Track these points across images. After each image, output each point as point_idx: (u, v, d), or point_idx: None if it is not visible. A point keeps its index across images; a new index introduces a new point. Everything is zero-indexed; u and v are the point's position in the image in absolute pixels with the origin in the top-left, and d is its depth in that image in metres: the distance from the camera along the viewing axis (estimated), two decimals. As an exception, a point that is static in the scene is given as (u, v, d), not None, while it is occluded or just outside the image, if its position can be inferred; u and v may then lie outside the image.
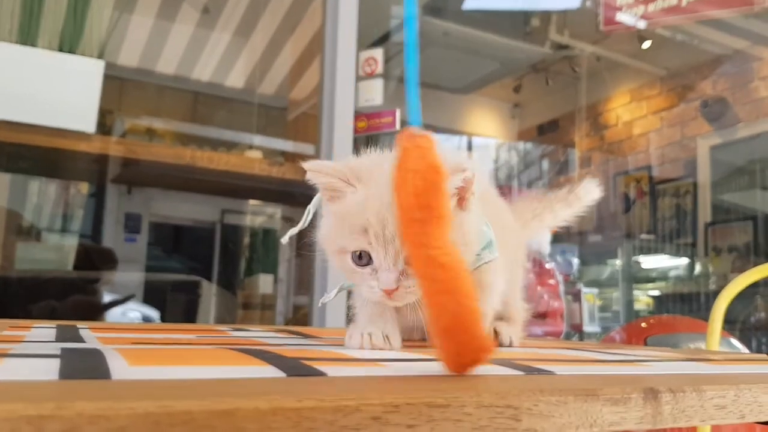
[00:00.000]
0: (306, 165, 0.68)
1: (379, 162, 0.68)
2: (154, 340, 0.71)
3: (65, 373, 0.38)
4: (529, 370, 0.50)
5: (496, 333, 0.82)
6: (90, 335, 0.73)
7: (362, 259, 0.66)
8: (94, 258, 2.66)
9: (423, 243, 0.46)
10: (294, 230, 0.74)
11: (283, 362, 0.48)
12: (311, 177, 0.68)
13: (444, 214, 0.47)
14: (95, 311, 2.27)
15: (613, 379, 0.48)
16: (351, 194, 0.67)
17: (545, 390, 0.40)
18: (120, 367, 0.41)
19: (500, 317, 0.86)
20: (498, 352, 0.71)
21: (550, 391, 0.40)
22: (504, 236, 0.79)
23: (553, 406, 0.39)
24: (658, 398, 0.42)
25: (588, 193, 0.91)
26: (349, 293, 0.78)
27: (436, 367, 0.51)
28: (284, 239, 0.74)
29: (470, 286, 0.47)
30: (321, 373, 0.43)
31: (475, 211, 0.67)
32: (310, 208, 0.74)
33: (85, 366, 0.42)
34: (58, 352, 0.49)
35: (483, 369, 0.51)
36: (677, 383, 0.45)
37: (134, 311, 2.84)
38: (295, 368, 0.44)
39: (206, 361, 0.48)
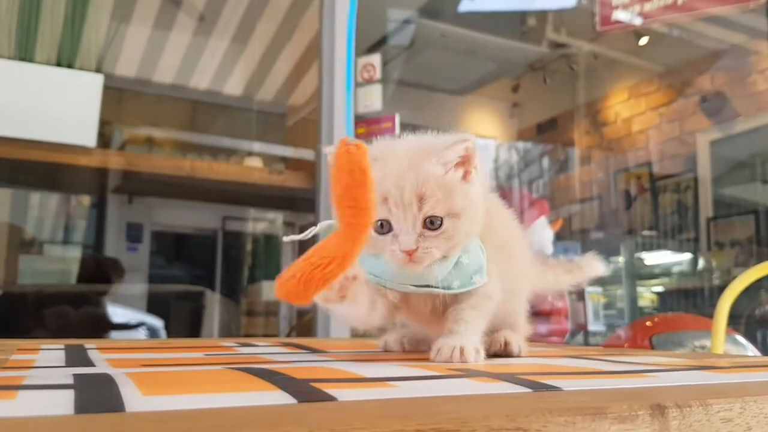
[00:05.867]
0: (327, 149, 0.71)
1: (392, 143, 0.77)
2: (162, 361, 0.71)
3: (80, 407, 0.39)
4: (537, 387, 0.51)
5: (506, 343, 0.83)
6: (99, 357, 0.73)
7: (383, 227, 0.72)
8: (105, 267, 2.67)
9: (350, 223, 0.61)
10: (295, 237, 0.77)
11: (293, 386, 0.48)
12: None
13: (367, 206, 0.60)
14: (103, 327, 2.28)
15: (621, 395, 0.48)
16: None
17: (554, 410, 0.40)
18: (133, 397, 0.42)
19: (505, 325, 0.87)
20: (507, 362, 0.72)
21: (558, 411, 0.40)
22: (510, 245, 0.84)
23: (561, 426, 0.39)
24: (665, 414, 0.43)
25: (590, 266, 0.99)
26: None
27: (445, 386, 0.52)
28: (286, 239, 0.78)
29: (347, 262, 0.60)
30: (331, 398, 0.44)
31: (478, 184, 0.75)
32: (317, 227, 0.76)
33: (99, 397, 0.42)
34: (71, 381, 0.49)
35: (491, 387, 0.51)
36: (684, 397, 0.45)
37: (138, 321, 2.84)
38: (306, 393, 0.45)
39: (217, 387, 0.49)
